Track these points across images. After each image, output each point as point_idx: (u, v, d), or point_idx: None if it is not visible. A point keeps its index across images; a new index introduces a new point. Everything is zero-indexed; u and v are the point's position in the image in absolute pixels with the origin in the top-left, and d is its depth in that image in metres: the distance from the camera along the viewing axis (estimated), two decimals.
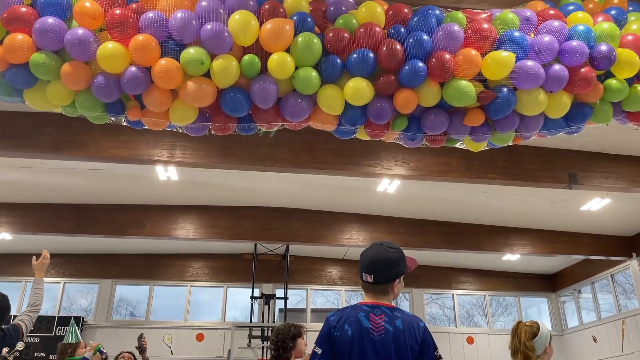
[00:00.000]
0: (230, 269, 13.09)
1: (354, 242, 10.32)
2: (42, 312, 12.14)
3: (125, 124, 3.64)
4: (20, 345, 3.26)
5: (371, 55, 3.41)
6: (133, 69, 3.28)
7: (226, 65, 3.30)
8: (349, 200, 9.93)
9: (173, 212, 10.04)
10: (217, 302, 13.23)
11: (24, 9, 3.22)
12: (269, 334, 11.15)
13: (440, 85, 3.54)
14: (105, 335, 11.56)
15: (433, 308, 14.40)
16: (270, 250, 12.57)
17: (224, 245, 12.25)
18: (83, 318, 12.08)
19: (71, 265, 12.66)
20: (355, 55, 3.42)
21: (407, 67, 3.41)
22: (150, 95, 3.39)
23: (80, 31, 3.22)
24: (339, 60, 3.46)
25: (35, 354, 11.27)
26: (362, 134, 3.87)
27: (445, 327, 13.92)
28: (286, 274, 12.38)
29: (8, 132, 6.67)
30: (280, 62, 3.35)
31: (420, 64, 3.40)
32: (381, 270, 2.20)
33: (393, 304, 2.25)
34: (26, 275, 12.41)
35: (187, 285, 13.03)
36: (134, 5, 3.36)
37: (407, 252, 2.40)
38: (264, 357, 10.98)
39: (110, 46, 3.23)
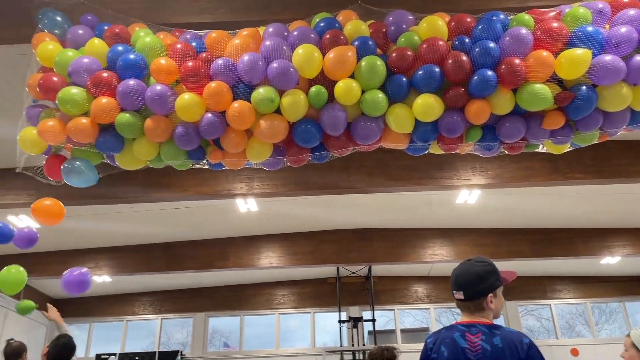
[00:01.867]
0: (315, 294, 13.16)
1: (438, 258, 10.07)
2: (143, 349, 12.79)
3: (207, 166, 3.83)
4: None
5: (437, 70, 3.37)
6: (209, 115, 3.45)
7: (295, 100, 3.39)
8: (428, 215, 9.74)
9: (255, 242, 10.31)
10: (305, 328, 13.32)
11: (105, 74, 3.49)
12: (361, 357, 11.04)
13: (513, 92, 3.42)
14: None
15: (529, 320, 13.66)
16: (353, 273, 12.52)
17: (307, 271, 12.36)
18: (181, 352, 12.56)
19: (167, 301, 13.28)
20: (420, 72, 3.39)
21: (475, 78, 3.33)
22: (227, 137, 3.54)
23: (158, 87, 3.44)
24: (404, 79, 3.44)
25: None
26: (435, 149, 3.80)
27: (545, 339, 13.13)
28: (371, 296, 12.26)
29: (100, 183, 7.18)
30: (346, 89, 3.39)
31: (490, 73, 3.31)
32: (469, 285, 2.15)
33: (493, 321, 2.16)
34: (127, 314, 13.17)
35: (275, 313, 13.24)
36: (204, 55, 3.55)
37: (498, 262, 2.32)
38: None
39: (186, 97, 3.42)
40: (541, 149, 3.93)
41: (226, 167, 3.87)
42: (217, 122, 3.46)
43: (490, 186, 7.30)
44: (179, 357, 12.22)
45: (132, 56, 3.51)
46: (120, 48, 3.59)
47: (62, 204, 3.88)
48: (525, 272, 12.48)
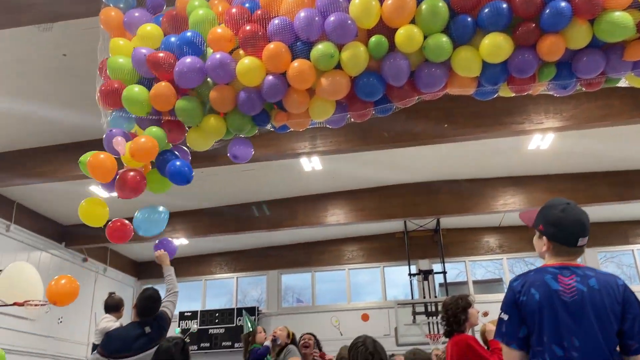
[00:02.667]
0: (384, 249, 13.23)
1: (510, 207, 9.77)
2: (222, 306, 13.47)
3: (272, 129, 3.86)
4: (194, 329, 3.75)
5: (504, 6, 3.15)
6: (270, 77, 3.44)
7: (354, 53, 3.30)
8: (498, 163, 9.41)
9: (322, 200, 10.43)
10: (376, 282, 13.49)
11: (162, 54, 3.54)
12: (433, 309, 11.07)
13: (589, 23, 3.15)
14: (278, 321, 12.43)
15: (610, 267, 13.10)
16: (421, 226, 12.44)
17: (375, 226, 12.40)
18: (258, 308, 13.12)
19: (241, 260, 13.82)
20: (487, 10, 3.19)
21: (547, 11, 3.09)
22: (290, 98, 3.53)
23: (218, 55, 3.46)
24: (469, 19, 3.25)
25: (222, 343, 12.53)
26: (505, 91, 3.60)
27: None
28: (440, 248, 12.16)
29: None
30: (407, 35, 3.25)
31: (563, 4, 3.06)
32: (589, 229, 2.06)
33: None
34: (205, 274, 13.85)
35: (345, 269, 13.47)
36: (258, 12, 3.50)
37: None
38: (431, 333, 10.93)
39: (246, 62, 3.42)
40: (622, 83, 3.64)
41: (291, 129, 3.89)
42: (279, 83, 3.45)
43: (565, 129, 6.91)
44: (256, 312, 12.77)
45: (188, 34, 3.54)
46: (173, 39, 3.62)
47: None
48: (605, 218, 11.90)
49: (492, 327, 3.35)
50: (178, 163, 3.76)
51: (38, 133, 7.73)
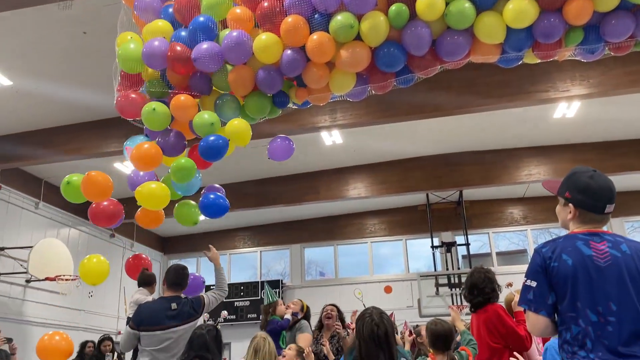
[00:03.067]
0: (406, 222, 13.22)
1: (534, 178, 9.62)
2: (246, 279, 13.70)
3: (294, 107, 3.85)
4: (224, 315, 3.76)
5: None
6: (289, 52, 3.41)
7: (374, 23, 3.25)
8: (522, 133, 9.24)
9: (343, 174, 10.41)
10: (398, 255, 13.52)
11: (179, 48, 3.53)
12: (456, 281, 11.08)
13: None
14: (301, 294, 12.61)
15: (637, 237, 12.88)
16: (443, 199, 12.36)
17: (397, 199, 12.37)
18: (281, 281, 13.31)
19: (264, 235, 13.97)
20: None
21: None
22: (309, 72, 3.50)
23: (234, 33, 3.43)
24: None
25: (248, 315, 12.79)
26: (530, 58, 3.51)
27: None
28: (464, 220, 12.09)
29: None
30: (429, 3, 3.18)
31: None
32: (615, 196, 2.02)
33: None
34: (229, 248, 14.06)
35: (367, 242, 13.52)
36: None
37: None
38: (454, 304, 10.96)
39: (264, 37, 3.39)
40: None
41: (312, 104, 3.87)
42: (298, 57, 3.42)
43: (591, 96, 6.73)
44: (280, 285, 12.96)
45: (201, 19, 3.51)
46: (183, 33, 3.60)
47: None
48: (632, 187, 11.66)
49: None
50: (212, 196, 3.85)
51: (61, 112, 7.84)
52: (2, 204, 9.13)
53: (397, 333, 3.71)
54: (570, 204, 2.04)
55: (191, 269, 15.42)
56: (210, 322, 3.52)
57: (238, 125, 3.75)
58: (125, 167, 9.58)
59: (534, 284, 1.95)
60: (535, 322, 1.95)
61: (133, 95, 3.70)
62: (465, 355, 3.23)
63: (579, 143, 9.42)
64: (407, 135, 9.12)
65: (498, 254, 13.00)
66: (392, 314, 4.95)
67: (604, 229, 2.02)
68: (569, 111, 8.00)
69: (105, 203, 3.85)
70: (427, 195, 12.23)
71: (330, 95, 3.79)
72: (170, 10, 3.79)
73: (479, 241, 13.22)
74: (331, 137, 8.74)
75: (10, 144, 8.23)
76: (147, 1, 3.78)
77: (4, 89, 7.05)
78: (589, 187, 2.00)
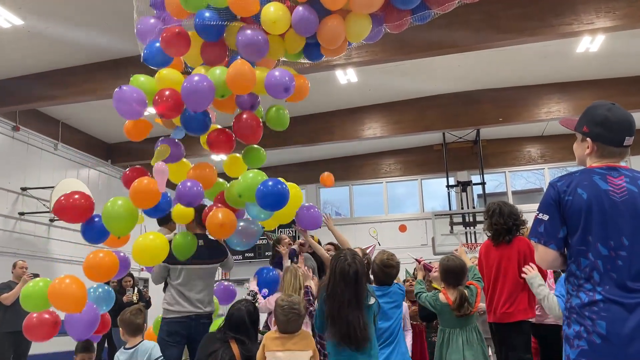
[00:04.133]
0: (421, 162, 13.17)
1: (554, 115, 9.43)
2: None
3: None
4: (254, 291, 3.71)
5: None
6: (300, 9, 3.34)
7: None
8: (542, 69, 8.98)
9: (358, 114, 10.31)
10: (413, 194, 13.58)
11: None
12: (471, 219, 11.15)
13: None
14: (317, 233, 12.79)
15: None
16: (460, 138, 12.23)
17: (413, 139, 12.28)
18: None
19: (279, 175, 13.82)
20: None
21: None
22: (325, 29, 3.44)
23: (248, 31, 3.45)
24: None
25: (265, 253, 13.11)
26: None
27: None
28: (480, 159, 12.01)
29: None
30: None
31: None
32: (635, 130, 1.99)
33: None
34: None
35: (382, 182, 13.57)
36: None
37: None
38: (469, 242, 11.09)
39: (272, 9, 3.33)
40: None
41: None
42: (309, 16, 3.34)
43: (617, 28, 6.44)
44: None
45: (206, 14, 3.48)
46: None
47: None
48: None
49: None
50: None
51: (73, 53, 7.79)
52: (22, 146, 9.28)
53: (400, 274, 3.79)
54: (588, 139, 2.00)
55: None
56: (249, 297, 3.47)
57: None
58: None
59: (545, 217, 1.95)
60: (544, 254, 1.97)
61: (177, 30, 3.59)
62: (474, 289, 3.31)
63: (602, 79, 9.14)
64: (424, 73, 8.92)
65: (514, 192, 12.98)
66: (373, 246, 5.05)
67: (622, 164, 1.99)
68: (592, 45, 7.72)
69: (76, 196, 3.59)
70: (444, 134, 12.11)
71: (346, 47, 3.72)
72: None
73: (495, 180, 13.18)
74: (346, 76, 8.59)
75: (25, 85, 8.25)
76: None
77: (15, 29, 6.99)
78: (607, 120, 1.96)
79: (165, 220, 4.81)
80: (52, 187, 8.77)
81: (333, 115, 10.40)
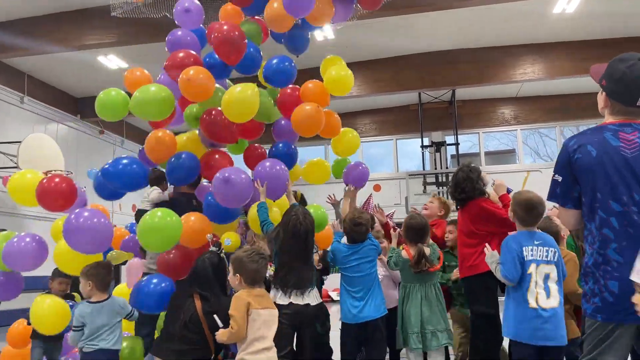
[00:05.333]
0: (397, 121, 13.18)
1: (529, 77, 9.49)
2: None
3: None
4: (227, 242, 3.54)
5: None
6: None
7: None
8: (519, 30, 8.96)
9: None
10: (388, 155, 13.65)
11: None
12: (444, 179, 11.31)
13: None
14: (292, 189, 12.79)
15: None
16: (436, 98, 12.25)
17: (388, 99, 12.25)
18: None
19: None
20: None
21: None
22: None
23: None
24: None
25: None
26: None
27: None
28: (455, 120, 12.09)
29: None
30: None
31: None
32: None
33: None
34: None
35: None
36: None
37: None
38: None
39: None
40: None
41: None
42: None
43: None
44: None
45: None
46: None
47: None
48: None
49: (501, 182, 3.39)
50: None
51: (38, 0, 7.43)
52: None
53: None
54: (604, 93, 1.98)
55: None
56: (214, 248, 3.25)
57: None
58: (109, 60, 9.30)
59: (560, 178, 1.97)
60: (564, 215, 2.04)
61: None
62: (435, 245, 3.39)
63: (578, 41, 9.19)
64: (403, 30, 8.80)
65: (487, 153, 13.17)
66: (367, 201, 5.06)
67: (638, 119, 1.94)
68: (568, 7, 7.71)
69: (56, 180, 3.38)
70: (420, 94, 12.10)
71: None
72: None
73: (469, 141, 13.33)
74: (323, 33, 8.42)
75: None
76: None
77: None
78: (623, 77, 1.90)
79: (157, 182, 4.66)
80: (19, 142, 8.52)
81: (308, 73, 10.22)
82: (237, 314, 2.54)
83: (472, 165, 3.59)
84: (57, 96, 10.62)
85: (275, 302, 2.85)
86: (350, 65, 10.64)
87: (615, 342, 1.86)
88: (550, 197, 2.03)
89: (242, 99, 3.37)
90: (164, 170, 4.58)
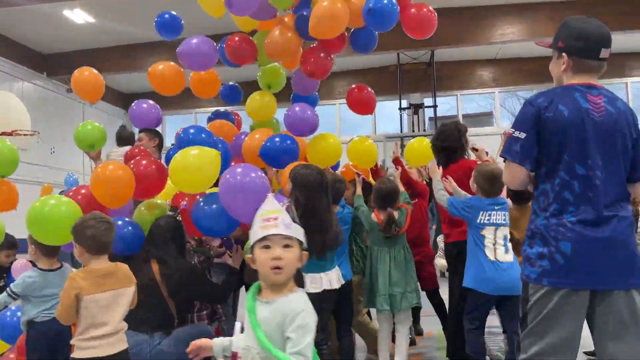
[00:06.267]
0: (375, 83, 12.89)
1: (508, 38, 9.39)
2: None
3: None
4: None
5: None
6: None
7: None
8: None
9: None
10: (366, 117, 13.49)
11: None
12: None
13: None
14: None
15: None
16: (414, 59, 12.08)
17: (366, 60, 12.06)
18: None
19: None
20: None
21: None
22: None
23: None
24: None
25: None
26: None
27: None
28: (433, 81, 11.96)
29: None
30: None
31: None
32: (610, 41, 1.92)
33: None
34: (195, 107, 13.77)
35: (335, 104, 13.40)
36: None
37: None
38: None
39: None
40: None
41: None
42: None
43: None
44: None
45: None
46: None
47: None
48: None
49: (483, 148, 3.48)
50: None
51: None
52: None
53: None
54: (564, 54, 1.93)
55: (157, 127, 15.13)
56: (170, 212, 3.11)
57: None
58: (75, 14, 8.88)
59: (522, 135, 1.88)
60: (518, 173, 1.92)
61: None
62: (405, 210, 3.39)
63: (559, 2, 9.08)
64: None
65: (465, 116, 13.15)
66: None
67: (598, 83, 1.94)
68: None
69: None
70: (398, 55, 11.91)
71: None
72: None
73: (447, 104, 13.27)
74: None
75: None
76: None
77: None
78: (583, 31, 1.90)
79: (127, 141, 4.48)
80: None
81: None
82: (63, 298, 2.26)
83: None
84: (22, 52, 10.16)
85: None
86: None
87: (564, 313, 1.77)
88: (506, 153, 1.93)
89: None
90: (132, 131, 4.45)
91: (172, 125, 14.00)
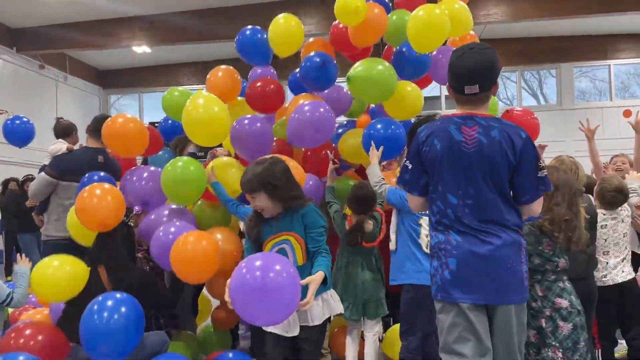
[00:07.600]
0: None
1: (493, 19, 9.24)
2: None
3: None
4: (137, 211, 3.19)
5: None
6: None
7: None
8: None
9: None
10: None
11: None
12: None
13: None
14: None
15: (582, 82, 13.16)
16: None
17: None
18: None
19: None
20: None
21: None
22: None
23: None
24: None
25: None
26: None
27: (596, 101, 12.80)
28: None
29: None
30: None
31: None
32: (485, 76, 1.93)
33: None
34: (172, 84, 13.42)
35: None
36: None
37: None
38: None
39: None
40: None
41: None
42: None
43: None
44: None
45: None
46: None
47: None
48: (585, 31, 11.51)
49: None
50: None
51: None
52: None
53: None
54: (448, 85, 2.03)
55: (133, 106, 14.93)
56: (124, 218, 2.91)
57: None
58: None
59: (410, 166, 2.04)
60: (411, 200, 2.13)
61: None
62: (379, 215, 3.18)
63: None
64: None
65: (447, 97, 13.05)
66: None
67: (483, 111, 1.97)
68: None
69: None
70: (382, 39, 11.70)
71: None
72: None
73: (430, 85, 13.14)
74: None
75: None
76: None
77: None
78: (451, 68, 1.97)
79: (63, 134, 4.34)
80: None
81: (266, 7, 9.71)
82: None
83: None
84: None
85: None
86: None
87: (468, 328, 1.87)
88: (399, 182, 2.12)
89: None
90: (71, 122, 4.26)
91: (149, 102, 13.64)
